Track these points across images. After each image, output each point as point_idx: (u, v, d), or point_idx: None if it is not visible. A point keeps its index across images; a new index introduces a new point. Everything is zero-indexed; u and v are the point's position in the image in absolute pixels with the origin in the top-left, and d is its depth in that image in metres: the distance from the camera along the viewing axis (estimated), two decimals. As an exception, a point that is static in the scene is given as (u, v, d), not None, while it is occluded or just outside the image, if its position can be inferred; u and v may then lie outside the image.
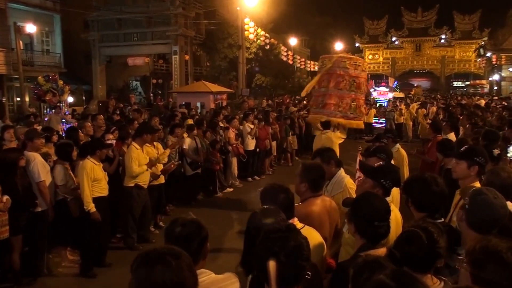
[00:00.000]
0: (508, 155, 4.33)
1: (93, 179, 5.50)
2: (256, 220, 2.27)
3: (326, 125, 7.22)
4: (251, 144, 10.73)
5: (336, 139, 6.91)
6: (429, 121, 13.22)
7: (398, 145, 6.09)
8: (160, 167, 7.08)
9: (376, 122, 18.94)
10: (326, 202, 3.18)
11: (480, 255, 1.75)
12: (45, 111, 13.84)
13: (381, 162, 3.70)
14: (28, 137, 5.51)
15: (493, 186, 2.81)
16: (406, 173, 5.76)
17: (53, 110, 12.62)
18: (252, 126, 10.76)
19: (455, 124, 8.04)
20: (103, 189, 5.67)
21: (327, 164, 3.73)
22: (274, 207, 2.41)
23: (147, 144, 6.75)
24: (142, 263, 1.54)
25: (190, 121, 10.08)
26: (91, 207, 5.42)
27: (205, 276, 2.04)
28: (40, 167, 5.29)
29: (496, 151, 4.07)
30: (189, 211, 2.23)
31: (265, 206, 2.40)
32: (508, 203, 2.71)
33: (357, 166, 4.62)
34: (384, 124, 18.38)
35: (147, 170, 6.62)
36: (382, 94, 23.76)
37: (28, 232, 5.18)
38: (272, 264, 1.83)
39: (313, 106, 8.02)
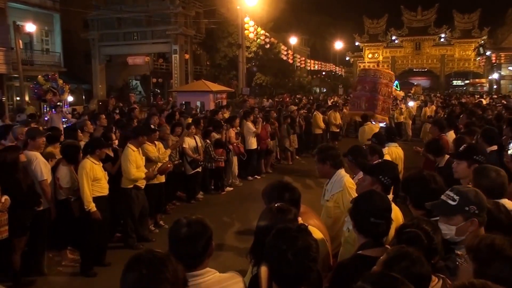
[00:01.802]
0: (509, 152, 4.33)
1: (93, 178, 5.47)
2: (269, 216, 2.27)
3: (365, 119, 9.69)
4: (254, 143, 10.74)
5: (376, 129, 8.78)
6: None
7: (393, 144, 6.08)
8: (157, 166, 7.07)
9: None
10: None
11: (486, 252, 1.78)
12: (44, 110, 13.81)
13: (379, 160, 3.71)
14: (30, 135, 5.44)
15: (481, 186, 2.78)
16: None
17: (52, 110, 12.58)
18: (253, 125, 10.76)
19: (454, 122, 8.06)
20: (103, 189, 5.65)
21: (322, 163, 3.72)
22: (287, 205, 2.40)
23: (147, 143, 6.75)
24: (125, 268, 1.65)
25: (190, 120, 10.06)
26: (92, 206, 5.40)
27: (210, 275, 2.04)
28: (42, 165, 5.27)
29: None
30: (181, 217, 2.16)
31: (277, 204, 2.37)
32: (506, 200, 2.71)
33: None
34: (385, 123, 18.30)
35: (153, 175, 6.66)
36: None
37: (29, 231, 5.15)
38: (264, 270, 1.84)
39: (349, 104, 11.60)
